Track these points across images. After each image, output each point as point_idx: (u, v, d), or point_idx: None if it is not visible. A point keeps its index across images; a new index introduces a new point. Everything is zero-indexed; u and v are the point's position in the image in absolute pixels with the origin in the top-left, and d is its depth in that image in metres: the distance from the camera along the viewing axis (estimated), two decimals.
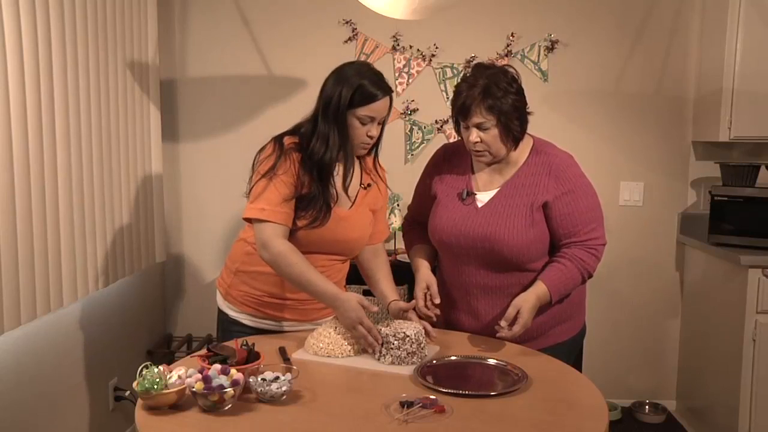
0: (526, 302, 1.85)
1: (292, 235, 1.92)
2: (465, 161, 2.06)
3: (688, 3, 3.37)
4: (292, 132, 1.97)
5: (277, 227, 1.86)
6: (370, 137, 1.92)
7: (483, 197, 1.99)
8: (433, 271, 2.09)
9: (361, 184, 2.02)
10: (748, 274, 2.84)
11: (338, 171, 1.95)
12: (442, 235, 2.01)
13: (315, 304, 2.00)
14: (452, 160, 2.09)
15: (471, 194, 2.00)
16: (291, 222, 1.90)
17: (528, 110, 1.93)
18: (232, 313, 2.06)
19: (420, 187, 2.17)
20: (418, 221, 2.19)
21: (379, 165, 2.10)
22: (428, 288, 1.99)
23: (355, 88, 1.85)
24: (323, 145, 1.88)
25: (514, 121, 1.89)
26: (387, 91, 1.90)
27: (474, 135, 1.89)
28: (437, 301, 1.98)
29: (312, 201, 1.89)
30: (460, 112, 1.90)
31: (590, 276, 1.96)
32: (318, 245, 1.96)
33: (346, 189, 1.95)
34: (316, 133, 1.90)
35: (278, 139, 1.93)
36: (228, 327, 2.07)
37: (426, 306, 1.98)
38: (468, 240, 1.96)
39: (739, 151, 3.43)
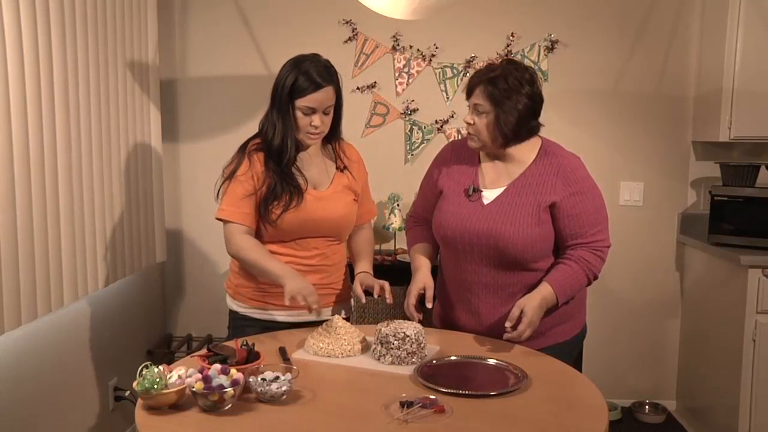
0: (530, 301, 1.85)
1: (275, 227, 2.00)
2: (472, 158, 2.06)
3: (688, 3, 3.37)
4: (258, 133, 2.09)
5: (238, 226, 2.01)
6: (314, 127, 1.98)
7: (489, 194, 1.99)
8: (434, 271, 2.09)
9: (337, 167, 2.11)
10: (748, 274, 2.84)
11: (305, 159, 2.05)
12: (447, 231, 2.01)
13: (321, 290, 2.07)
14: (459, 157, 2.09)
15: (477, 191, 2.01)
16: (252, 220, 2.02)
17: (538, 120, 1.94)
18: (242, 310, 2.10)
19: (425, 183, 2.18)
20: (422, 218, 2.19)
21: (343, 150, 2.14)
22: (424, 290, 1.99)
23: (293, 80, 1.94)
24: (271, 130, 1.99)
25: (509, 117, 1.89)
26: (322, 83, 1.95)
27: (469, 116, 1.94)
28: (429, 306, 1.98)
29: (277, 187, 1.98)
30: (466, 89, 1.96)
31: (595, 278, 1.97)
32: (307, 228, 2.03)
33: (288, 171, 2.00)
34: (268, 120, 2.01)
35: (243, 144, 2.06)
36: (239, 324, 2.12)
37: (415, 307, 1.97)
38: (473, 236, 1.96)
39: (739, 151, 3.43)
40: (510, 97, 1.87)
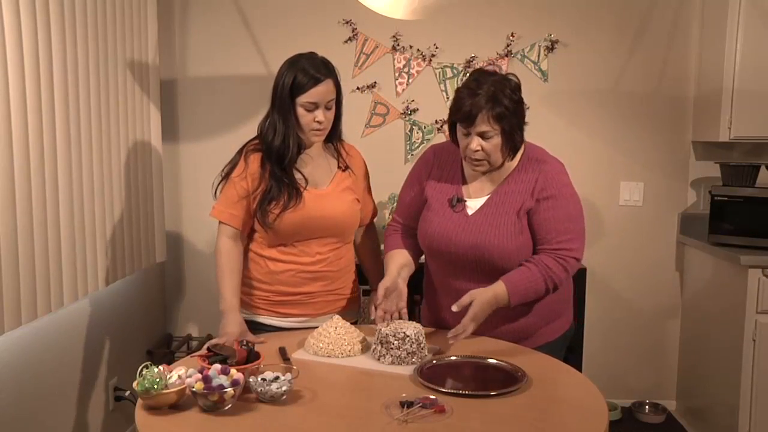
0: (481, 294, 1.83)
1: (273, 230, 1.99)
2: (455, 165, 2.03)
3: (688, 3, 3.37)
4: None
5: (224, 227, 2.05)
6: (319, 122, 1.97)
7: (473, 204, 1.97)
8: (419, 276, 2.05)
9: (339, 166, 2.10)
10: (748, 274, 2.84)
11: (305, 160, 2.05)
12: (432, 242, 2.00)
13: (325, 297, 2.08)
14: (442, 163, 2.06)
15: (461, 201, 1.98)
16: (239, 222, 2.03)
17: (525, 120, 1.92)
18: (247, 317, 2.08)
19: (409, 191, 2.12)
20: (403, 225, 2.14)
21: (344, 148, 2.15)
22: (385, 292, 1.94)
23: (292, 78, 1.95)
24: (272, 132, 1.99)
25: (517, 131, 1.87)
26: (321, 77, 1.94)
27: (475, 143, 1.86)
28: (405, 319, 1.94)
29: (274, 188, 1.97)
30: (465, 119, 1.86)
31: (555, 287, 1.90)
32: (307, 228, 2.01)
33: (288, 170, 2.00)
34: (269, 122, 2.02)
35: (244, 145, 2.07)
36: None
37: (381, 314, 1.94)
38: (458, 248, 1.94)
39: (739, 151, 3.43)
40: (511, 109, 1.84)
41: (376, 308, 1.94)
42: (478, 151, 1.87)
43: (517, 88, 1.89)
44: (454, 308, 1.82)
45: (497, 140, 1.86)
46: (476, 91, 1.84)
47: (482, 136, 1.85)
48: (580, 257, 1.92)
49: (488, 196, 1.96)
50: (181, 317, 3.59)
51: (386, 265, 2.04)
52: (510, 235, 1.90)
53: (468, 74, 2.03)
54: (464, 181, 2.02)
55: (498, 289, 1.85)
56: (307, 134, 2.00)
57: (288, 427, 1.41)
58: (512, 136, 1.86)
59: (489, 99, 1.82)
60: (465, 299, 1.82)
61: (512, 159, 1.94)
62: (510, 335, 1.96)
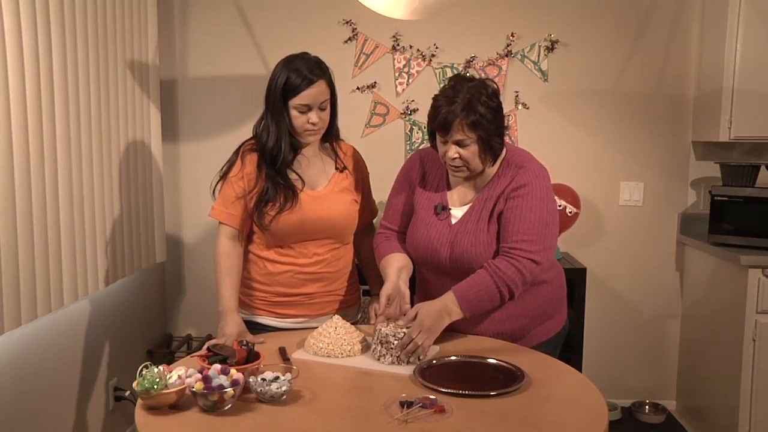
0: (427, 305, 1.81)
1: (270, 231, 1.99)
2: (441, 171, 2.03)
3: (688, 3, 3.37)
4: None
5: (224, 227, 2.04)
6: (313, 124, 1.96)
7: (457, 213, 1.96)
8: (412, 280, 2.05)
9: (336, 167, 2.10)
10: (748, 274, 2.84)
11: (301, 161, 2.04)
12: (418, 252, 2.00)
13: (324, 297, 2.08)
14: (428, 168, 2.05)
15: (446, 209, 1.97)
16: (238, 222, 2.02)
17: (506, 125, 1.90)
18: (246, 317, 2.08)
19: (400, 196, 2.10)
20: (393, 231, 2.12)
21: (341, 148, 2.14)
22: (388, 300, 1.91)
23: (285, 78, 1.94)
24: (265, 134, 1.99)
25: (495, 138, 1.85)
26: (314, 78, 1.93)
27: (453, 151, 1.86)
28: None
29: (270, 190, 1.97)
30: (441, 128, 1.85)
31: (510, 291, 1.82)
32: (305, 230, 2.01)
33: (282, 172, 1.99)
34: (263, 124, 2.01)
35: (241, 145, 2.07)
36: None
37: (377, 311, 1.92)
38: (441, 258, 1.94)
39: (739, 151, 3.43)
40: (488, 116, 1.83)
41: (377, 315, 1.91)
42: (456, 158, 1.86)
43: (495, 94, 1.87)
44: (401, 323, 1.81)
45: (474, 148, 1.84)
46: (453, 99, 1.83)
47: (459, 144, 1.85)
48: (539, 260, 1.85)
49: (470, 204, 1.95)
50: (181, 317, 3.59)
51: (384, 271, 2.01)
52: (489, 245, 1.89)
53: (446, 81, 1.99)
54: (449, 187, 2.01)
55: (446, 298, 1.83)
56: (301, 135, 1.99)
57: (288, 427, 1.41)
58: (490, 143, 1.85)
59: (464, 107, 1.81)
60: (411, 313, 1.81)
61: (493, 165, 1.92)
62: (503, 336, 1.96)
